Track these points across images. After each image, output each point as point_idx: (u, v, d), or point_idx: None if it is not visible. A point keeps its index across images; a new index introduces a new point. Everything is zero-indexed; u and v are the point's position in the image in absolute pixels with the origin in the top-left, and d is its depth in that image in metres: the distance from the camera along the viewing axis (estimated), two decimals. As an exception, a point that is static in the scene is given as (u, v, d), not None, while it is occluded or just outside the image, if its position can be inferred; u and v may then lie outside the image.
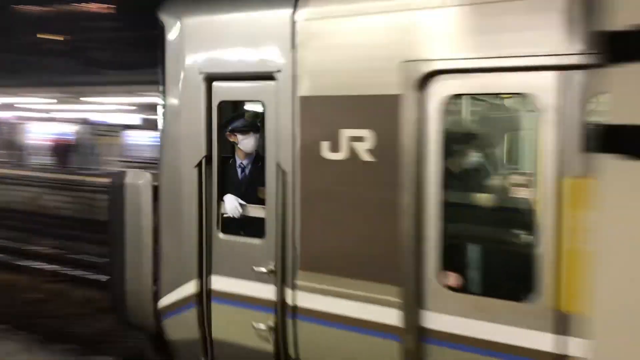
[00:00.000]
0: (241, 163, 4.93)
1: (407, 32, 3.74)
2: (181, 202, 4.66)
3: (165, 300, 4.82)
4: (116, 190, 5.11)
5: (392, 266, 3.80)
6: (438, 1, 3.63)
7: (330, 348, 4.08)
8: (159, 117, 4.89)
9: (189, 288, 4.66)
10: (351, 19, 3.96)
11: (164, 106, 4.78)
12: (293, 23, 4.15)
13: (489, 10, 3.50)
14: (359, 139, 3.89)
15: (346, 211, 3.98)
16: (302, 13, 4.15)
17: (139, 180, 5.01)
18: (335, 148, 3.99)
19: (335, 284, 4.03)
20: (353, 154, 3.92)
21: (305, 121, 4.11)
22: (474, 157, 4.70)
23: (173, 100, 4.70)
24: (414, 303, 3.74)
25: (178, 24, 4.65)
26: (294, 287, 4.21)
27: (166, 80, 4.71)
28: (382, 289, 3.85)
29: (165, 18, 4.73)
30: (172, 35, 4.68)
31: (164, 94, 4.75)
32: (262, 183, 4.43)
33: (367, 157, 3.88)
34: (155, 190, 4.89)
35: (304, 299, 4.17)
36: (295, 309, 4.20)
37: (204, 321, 4.63)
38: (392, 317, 3.80)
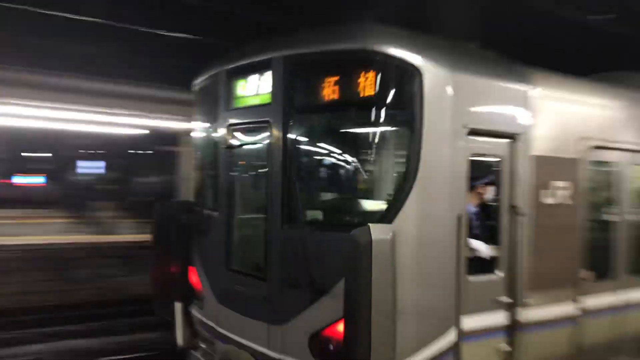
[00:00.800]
0: (476, 211, 6.01)
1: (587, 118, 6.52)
2: (441, 252, 5.04)
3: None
4: (358, 250, 4.47)
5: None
6: None
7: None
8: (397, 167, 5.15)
9: (449, 337, 5.10)
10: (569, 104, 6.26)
11: (417, 155, 4.92)
12: (526, 98, 5.78)
13: None
14: (562, 188, 6.02)
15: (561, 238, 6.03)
16: (536, 91, 5.83)
17: (386, 235, 4.58)
18: (548, 195, 5.86)
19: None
20: (561, 199, 5.98)
21: (539, 174, 5.79)
22: None
23: (433, 152, 4.98)
24: None
25: (447, 77, 5.08)
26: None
27: (423, 131, 4.92)
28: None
29: (425, 67, 4.94)
30: (434, 85, 5.02)
31: (417, 143, 4.91)
32: (489, 226, 5.90)
33: (568, 202, 6.05)
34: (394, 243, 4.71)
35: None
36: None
37: None
38: None
